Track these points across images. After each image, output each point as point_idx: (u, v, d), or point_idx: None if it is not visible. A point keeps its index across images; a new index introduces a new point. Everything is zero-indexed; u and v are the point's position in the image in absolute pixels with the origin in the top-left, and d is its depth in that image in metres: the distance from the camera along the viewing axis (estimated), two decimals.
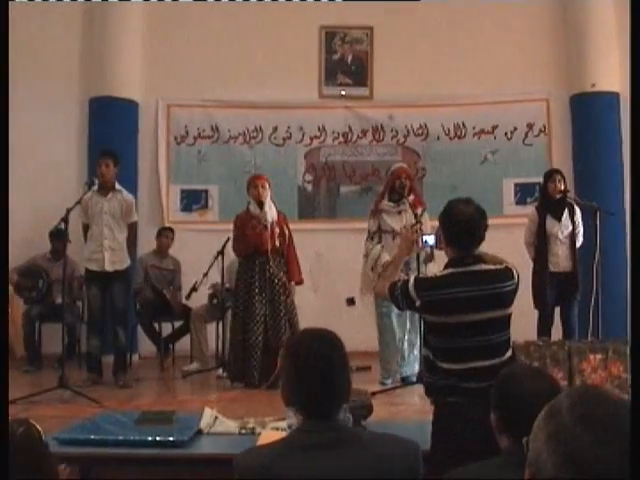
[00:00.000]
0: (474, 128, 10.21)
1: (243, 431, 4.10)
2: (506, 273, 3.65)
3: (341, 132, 10.30)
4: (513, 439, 2.34)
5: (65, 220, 6.79)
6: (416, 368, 7.21)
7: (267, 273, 7.38)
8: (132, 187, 8.77)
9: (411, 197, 7.55)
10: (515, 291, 3.67)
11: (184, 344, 8.95)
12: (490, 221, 3.69)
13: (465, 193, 3.86)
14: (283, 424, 3.73)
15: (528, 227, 7.82)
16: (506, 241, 7.39)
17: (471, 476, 2.33)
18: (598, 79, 9.75)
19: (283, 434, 2.99)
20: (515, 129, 10.19)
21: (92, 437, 3.89)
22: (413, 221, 7.12)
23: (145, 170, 10.06)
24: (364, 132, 10.31)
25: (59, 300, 8.26)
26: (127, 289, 7.92)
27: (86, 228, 7.70)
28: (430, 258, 7.13)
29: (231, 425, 4.19)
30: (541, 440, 1.36)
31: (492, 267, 3.65)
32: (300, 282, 7.72)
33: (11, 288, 8.47)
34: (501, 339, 3.63)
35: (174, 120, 10.20)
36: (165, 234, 9.25)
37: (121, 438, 3.87)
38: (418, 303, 3.62)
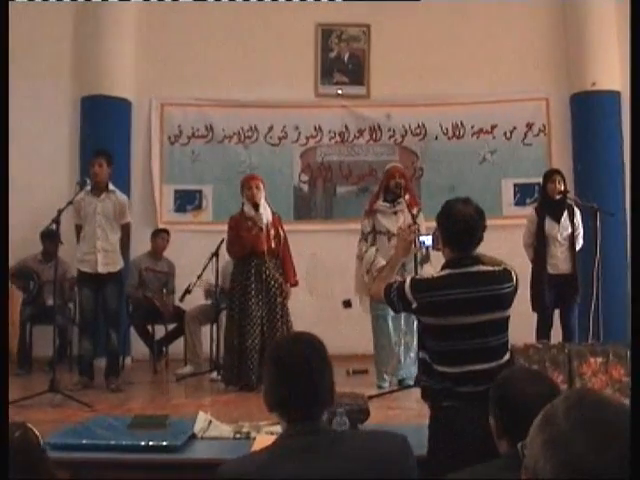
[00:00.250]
0: (473, 128, 10.22)
1: (238, 435, 4.10)
2: (504, 275, 3.63)
3: (338, 131, 10.30)
4: (513, 443, 2.32)
5: (56, 221, 6.78)
6: (413, 371, 7.21)
7: (263, 275, 7.38)
8: (125, 187, 8.77)
9: (406, 197, 7.54)
10: (514, 293, 3.66)
11: (177, 347, 8.94)
12: (489, 222, 3.69)
13: (464, 193, 3.85)
14: (278, 428, 3.72)
15: (527, 228, 7.81)
16: (505, 242, 7.41)
17: (469, 477, 2.33)
18: (599, 77, 9.76)
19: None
20: (514, 129, 10.19)
21: (84, 442, 3.89)
22: (409, 222, 7.11)
23: (138, 170, 10.05)
24: (361, 132, 10.30)
25: (50, 302, 8.26)
26: (120, 291, 7.90)
27: (79, 229, 7.70)
28: (426, 259, 7.12)
29: (225, 429, 4.19)
30: (537, 446, 1.35)
31: (490, 268, 3.64)
32: (295, 284, 7.72)
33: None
34: (499, 342, 3.62)
35: (168, 119, 10.20)
36: (161, 236, 9.24)
37: (113, 443, 3.87)
38: (414, 305, 3.60)
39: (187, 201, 10.16)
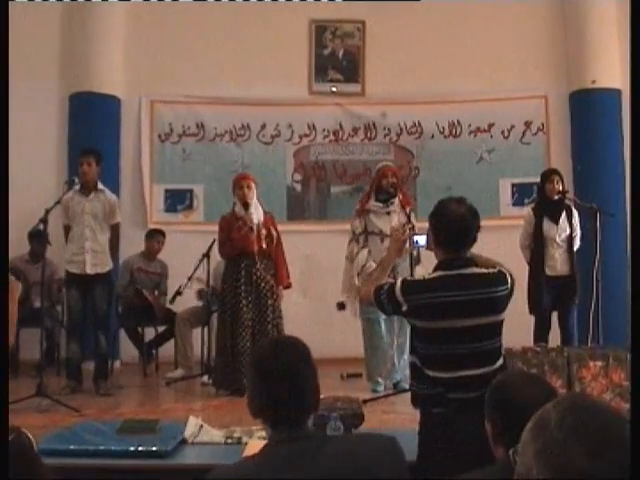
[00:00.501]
0: (470, 126, 10.23)
1: (229, 441, 4.10)
2: (499, 277, 3.61)
3: (332, 130, 10.30)
4: (509, 449, 2.32)
5: (44, 221, 6.78)
6: (407, 374, 7.22)
7: (253, 276, 7.37)
8: (114, 187, 8.75)
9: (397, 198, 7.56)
10: (509, 296, 3.63)
11: (168, 350, 8.94)
12: (486, 222, 3.68)
13: (460, 193, 3.80)
14: None
15: (524, 229, 7.82)
16: (502, 243, 7.41)
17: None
18: (599, 75, 9.77)
19: None
20: (512, 127, 10.20)
21: (71, 447, 3.88)
22: (404, 221, 7.12)
23: (128, 169, 10.03)
24: (355, 130, 10.31)
25: (38, 304, 8.23)
26: (109, 293, 7.89)
27: (67, 229, 7.69)
28: (417, 261, 7.13)
29: (216, 434, 4.19)
30: (530, 454, 1.35)
31: (484, 271, 3.61)
32: (288, 286, 7.72)
33: None
34: (492, 346, 3.58)
35: (158, 117, 10.19)
36: (156, 239, 9.19)
37: (102, 448, 3.86)
38: (405, 308, 3.55)
39: (178, 201, 10.15)
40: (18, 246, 8.84)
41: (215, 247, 7.77)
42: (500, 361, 3.62)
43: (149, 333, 9.15)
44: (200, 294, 8.61)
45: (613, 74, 9.66)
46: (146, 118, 10.14)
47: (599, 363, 5.91)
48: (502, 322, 3.63)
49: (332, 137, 10.30)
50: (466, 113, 10.18)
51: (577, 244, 7.71)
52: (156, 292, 9.05)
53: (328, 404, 3.90)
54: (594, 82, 9.76)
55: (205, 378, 7.93)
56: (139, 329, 9.08)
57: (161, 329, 9.12)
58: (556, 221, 7.62)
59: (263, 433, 4.01)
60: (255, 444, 3.64)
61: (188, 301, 8.61)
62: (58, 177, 9.20)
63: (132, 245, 9.12)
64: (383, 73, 10.08)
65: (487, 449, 2.51)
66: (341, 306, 7.86)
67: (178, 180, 10.14)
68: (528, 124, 10.20)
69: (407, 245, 4.18)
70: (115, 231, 7.81)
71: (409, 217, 7.20)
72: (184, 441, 4.04)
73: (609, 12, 9.73)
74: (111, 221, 7.72)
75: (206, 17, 9.97)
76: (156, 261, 9.20)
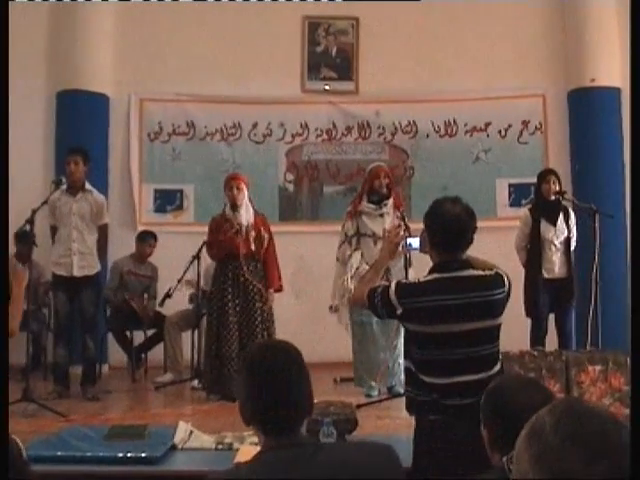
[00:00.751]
0: (466, 125, 10.23)
1: (220, 446, 4.09)
2: (496, 280, 3.57)
3: (325, 129, 10.30)
4: (505, 455, 2.32)
5: (30, 221, 6.77)
6: (402, 378, 7.24)
7: (241, 279, 7.36)
8: (102, 187, 8.75)
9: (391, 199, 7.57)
10: (506, 299, 3.60)
11: (157, 353, 8.93)
12: (482, 224, 3.68)
13: (456, 194, 3.73)
14: None
15: (520, 230, 7.83)
16: (499, 245, 7.44)
17: None
18: (598, 73, 9.77)
19: None
20: (509, 126, 10.22)
21: (58, 453, 3.87)
22: (398, 222, 7.13)
23: (116, 169, 10.01)
24: (349, 129, 10.31)
25: (24, 307, 8.20)
26: (97, 295, 7.87)
27: (54, 230, 7.68)
28: (409, 263, 7.13)
29: (207, 440, 4.18)
30: (525, 461, 1.36)
31: (481, 273, 3.58)
32: (280, 289, 7.71)
33: None
34: (489, 351, 3.55)
35: (147, 115, 10.18)
36: (149, 242, 9.15)
37: (89, 454, 3.85)
38: (399, 311, 3.52)
39: (167, 201, 10.15)
40: None
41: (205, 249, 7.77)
42: (497, 367, 3.59)
43: (138, 337, 9.13)
44: (191, 298, 8.61)
45: (613, 72, 9.66)
46: (135, 116, 10.13)
47: (598, 367, 5.91)
48: (499, 326, 3.60)
49: (325, 136, 10.30)
50: (462, 112, 10.19)
51: (573, 245, 7.73)
52: (146, 295, 9.04)
53: (321, 409, 3.90)
54: (593, 80, 9.76)
55: (195, 382, 7.93)
56: (127, 333, 9.05)
57: (150, 332, 9.10)
58: (554, 223, 7.64)
59: (255, 439, 4.01)
60: (247, 450, 3.64)
61: (178, 304, 8.61)
62: (45, 177, 9.19)
63: (121, 247, 9.10)
64: (377, 71, 10.08)
65: (484, 456, 2.50)
66: (335, 308, 7.85)
67: (168, 180, 10.13)
68: (525, 123, 10.21)
69: (400, 248, 4.18)
70: (103, 232, 7.80)
71: (403, 219, 7.20)
72: (174, 447, 4.03)
73: (609, 8, 9.73)
74: (99, 222, 7.71)
75: (197, 13, 9.95)
76: (146, 264, 9.18)
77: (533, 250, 7.65)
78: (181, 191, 10.15)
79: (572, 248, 7.72)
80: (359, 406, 6.01)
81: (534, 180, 8.10)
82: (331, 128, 10.29)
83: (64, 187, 7.46)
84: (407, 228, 6.65)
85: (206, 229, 7.66)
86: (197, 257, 8.06)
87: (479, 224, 3.62)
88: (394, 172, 8.70)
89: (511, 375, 3.91)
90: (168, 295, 8.33)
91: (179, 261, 8.26)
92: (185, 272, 8.18)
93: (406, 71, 9.95)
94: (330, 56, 10.41)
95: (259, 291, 7.40)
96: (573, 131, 10.06)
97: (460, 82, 10.00)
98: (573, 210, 7.84)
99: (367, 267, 7.05)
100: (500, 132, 10.20)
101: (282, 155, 10.29)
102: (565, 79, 10.06)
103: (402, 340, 7.11)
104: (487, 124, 10.20)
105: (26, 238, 7.61)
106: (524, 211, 8.12)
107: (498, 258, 3.91)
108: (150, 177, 10.14)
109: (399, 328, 7.24)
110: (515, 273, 4.15)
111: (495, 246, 7.01)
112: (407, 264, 7.03)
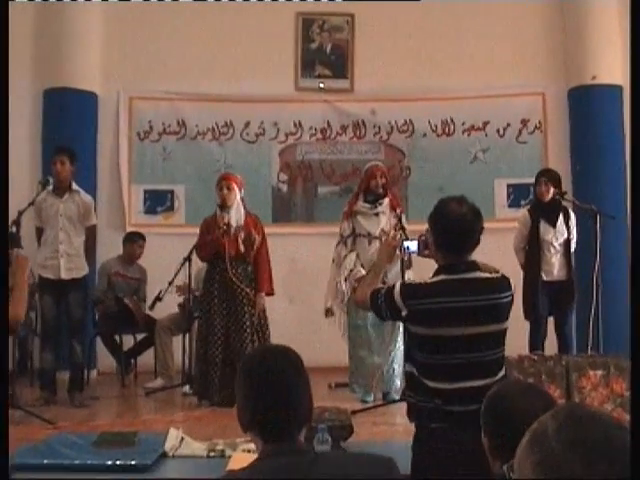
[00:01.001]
0: (463, 124, 10.23)
1: (212, 454, 4.09)
2: (503, 283, 3.57)
3: (319, 128, 10.29)
4: (506, 463, 2.31)
5: (17, 223, 6.74)
6: (398, 384, 7.24)
7: (229, 282, 7.34)
8: (90, 187, 8.74)
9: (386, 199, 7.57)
10: (512, 303, 3.60)
11: (147, 358, 8.92)
12: None
13: (453, 194, 3.75)
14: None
15: (519, 231, 7.84)
16: (498, 246, 7.41)
17: None
18: (599, 71, 9.77)
19: (255, 457, 2.97)
20: (508, 125, 10.22)
21: (45, 462, 3.87)
22: (392, 224, 7.15)
23: (105, 169, 10.00)
24: (344, 128, 10.30)
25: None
26: (84, 299, 7.84)
27: (40, 232, 7.65)
28: (408, 265, 7.13)
29: (198, 447, 4.18)
30: (528, 468, 1.35)
31: (489, 275, 3.57)
32: (271, 293, 7.67)
33: None
34: (494, 357, 3.55)
35: (137, 114, 10.16)
36: (138, 243, 9.14)
37: (77, 462, 3.85)
38: (404, 313, 3.51)
39: (158, 202, 10.13)
40: None
41: None
42: (502, 372, 3.58)
43: (127, 341, 9.12)
44: (182, 305, 8.61)
45: (614, 70, 9.65)
46: (124, 115, 10.11)
47: (599, 372, 5.92)
48: (505, 331, 3.59)
49: (319, 135, 10.29)
50: (460, 110, 10.19)
51: (573, 247, 7.73)
52: (135, 298, 9.02)
53: (316, 415, 3.89)
54: (594, 78, 9.76)
55: (186, 388, 7.91)
56: (117, 337, 9.04)
57: (140, 337, 9.09)
58: (553, 224, 7.64)
59: (247, 446, 4.01)
60: (239, 457, 3.64)
61: (168, 307, 8.58)
62: (32, 177, 9.16)
63: (109, 248, 9.10)
64: (373, 68, 10.07)
65: (487, 466, 2.49)
66: (330, 312, 7.85)
67: (158, 180, 10.11)
68: (525, 122, 10.21)
69: (398, 252, 4.17)
70: (91, 234, 7.77)
71: (400, 219, 7.20)
72: (164, 454, 4.03)
73: (610, 5, 9.73)
74: (86, 223, 7.69)
75: (187, 10, 9.94)
76: (135, 265, 9.16)
77: (532, 252, 7.65)
78: (172, 192, 10.13)
79: (572, 250, 7.72)
80: (354, 412, 6.01)
81: (533, 180, 8.11)
82: (326, 127, 10.28)
83: (50, 188, 7.44)
84: (403, 230, 6.66)
85: (197, 231, 7.66)
86: (188, 260, 8.04)
87: None
88: (390, 172, 8.69)
89: (511, 381, 3.88)
90: (159, 298, 8.30)
91: (170, 264, 8.24)
92: (176, 275, 8.17)
93: (402, 69, 9.94)
94: (325, 53, 10.40)
95: (247, 295, 7.36)
96: (573, 130, 10.05)
97: (458, 80, 10.00)
98: (573, 211, 7.85)
99: (361, 268, 7.10)
100: (499, 131, 10.20)
101: (275, 155, 10.27)
102: (565, 77, 10.06)
103: (397, 346, 7.19)
104: (485, 123, 10.20)
105: (12, 240, 7.59)
106: (523, 212, 8.13)
107: (496, 260, 3.89)
108: (140, 177, 10.12)
109: (394, 333, 7.26)
110: (514, 275, 4.14)
111: (494, 248, 6.99)
112: (404, 267, 7.02)
